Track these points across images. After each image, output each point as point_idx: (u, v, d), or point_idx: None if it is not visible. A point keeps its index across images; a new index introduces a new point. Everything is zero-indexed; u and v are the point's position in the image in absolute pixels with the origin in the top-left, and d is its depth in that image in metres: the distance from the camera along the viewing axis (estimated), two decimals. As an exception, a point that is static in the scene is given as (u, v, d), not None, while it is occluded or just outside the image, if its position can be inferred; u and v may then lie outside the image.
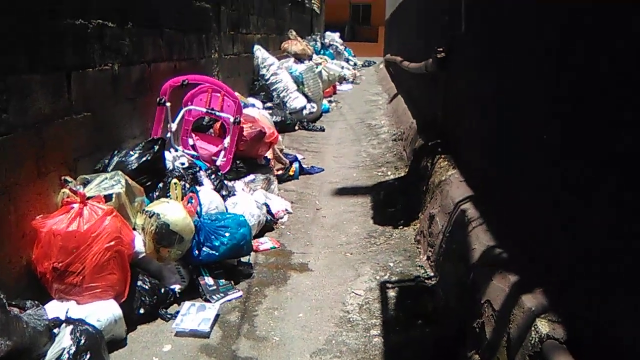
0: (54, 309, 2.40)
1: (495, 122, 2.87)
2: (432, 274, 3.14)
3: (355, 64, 17.70)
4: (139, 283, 2.74)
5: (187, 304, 2.80)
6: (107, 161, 3.13)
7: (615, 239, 1.54)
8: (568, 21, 1.94)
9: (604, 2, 1.67)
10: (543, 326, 1.68)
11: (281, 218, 4.11)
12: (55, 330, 2.21)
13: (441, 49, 4.17)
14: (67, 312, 2.31)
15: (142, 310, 2.69)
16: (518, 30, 2.53)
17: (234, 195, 3.82)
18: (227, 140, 4.15)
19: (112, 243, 2.52)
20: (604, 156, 1.63)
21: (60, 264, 2.44)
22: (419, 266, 3.30)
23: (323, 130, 7.70)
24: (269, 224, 3.90)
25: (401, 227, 3.94)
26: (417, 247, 3.56)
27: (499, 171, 2.75)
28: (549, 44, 2.11)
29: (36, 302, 2.29)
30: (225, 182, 3.91)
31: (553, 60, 2.07)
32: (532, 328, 1.71)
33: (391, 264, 3.35)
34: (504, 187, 2.63)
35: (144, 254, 2.84)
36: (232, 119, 4.10)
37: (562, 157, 1.95)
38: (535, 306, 1.79)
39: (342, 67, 13.97)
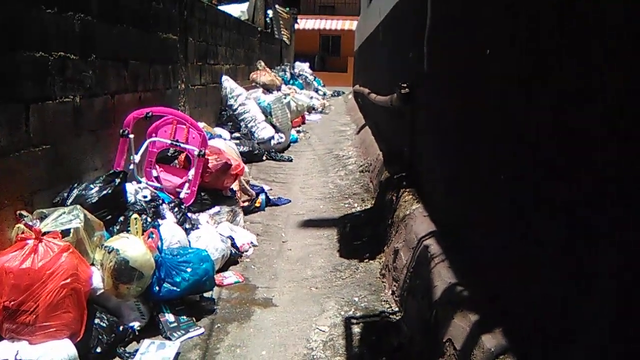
0: (4, 349, 2.31)
1: (455, 159, 2.91)
2: (397, 309, 3.13)
3: (324, 94, 17.91)
4: (97, 320, 2.65)
5: (146, 342, 2.72)
6: (66, 194, 3.06)
7: (568, 287, 1.57)
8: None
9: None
10: (502, 367, 1.69)
11: (246, 251, 4.06)
12: (4, 374, 2.11)
13: (405, 85, 4.24)
14: (16, 354, 2.23)
15: (99, 349, 2.60)
16: (476, 71, 2.59)
17: (198, 228, 3.77)
18: (191, 172, 4.11)
19: (68, 280, 2.44)
20: (555, 202, 1.67)
21: (12, 303, 2.34)
22: (384, 301, 3.29)
23: (291, 161, 7.71)
24: (233, 258, 3.85)
25: (367, 260, 3.94)
26: (382, 282, 3.56)
27: (459, 210, 2.79)
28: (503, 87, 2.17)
29: (-16, 343, 2.20)
30: (189, 214, 3.86)
31: (507, 103, 2.13)
32: (492, 369, 1.71)
33: (356, 299, 3.33)
34: (464, 225, 2.66)
35: (102, 290, 2.76)
36: (196, 151, 4.07)
37: (515, 200, 1.98)
38: (495, 347, 1.79)
39: (311, 97, 14.12)
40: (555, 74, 1.69)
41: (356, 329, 2.98)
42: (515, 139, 2.03)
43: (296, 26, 21.69)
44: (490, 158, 2.33)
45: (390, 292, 3.35)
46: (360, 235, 4.47)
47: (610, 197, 1.37)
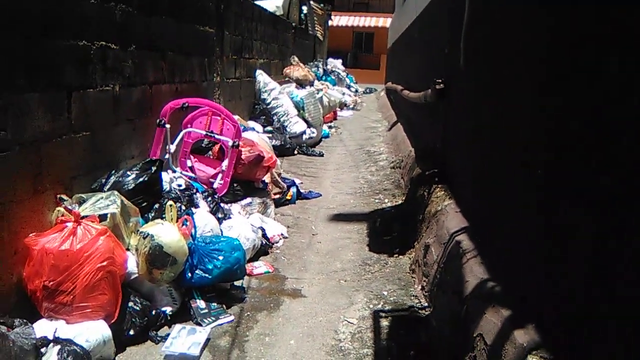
0: (43, 327, 2.38)
1: (488, 155, 2.88)
2: (426, 304, 3.12)
3: (356, 91, 17.87)
4: (130, 304, 2.72)
5: (177, 326, 2.77)
6: (103, 181, 3.13)
7: (596, 286, 1.54)
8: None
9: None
10: (534, 363, 1.67)
11: (276, 242, 4.10)
12: (43, 350, 2.18)
13: (440, 81, 4.21)
14: (55, 332, 2.29)
15: (132, 332, 2.66)
16: (513, 67, 2.56)
17: (230, 218, 3.82)
18: (225, 163, 4.16)
19: (105, 263, 2.51)
20: (587, 200, 1.64)
21: (51, 283, 2.42)
22: (413, 296, 3.28)
23: (322, 156, 7.73)
24: (263, 248, 3.89)
25: (396, 255, 3.93)
26: (412, 277, 3.55)
27: (491, 205, 2.76)
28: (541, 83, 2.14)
29: (25, 320, 2.28)
30: (222, 204, 3.91)
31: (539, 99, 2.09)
32: (524, 364, 1.70)
33: (385, 293, 3.33)
34: (496, 222, 2.63)
35: (136, 275, 2.83)
36: (230, 142, 4.12)
37: (548, 197, 1.95)
38: (527, 342, 1.77)
39: (343, 94, 14.11)
40: (596, 72, 1.66)
41: (384, 323, 2.99)
42: (552, 135, 2.00)
43: (330, 22, 21.69)
44: (524, 154, 2.30)
45: (419, 287, 3.33)
46: (390, 230, 4.46)
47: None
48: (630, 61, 1.45)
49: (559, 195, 1.89)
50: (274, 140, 6.70)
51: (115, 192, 2.93)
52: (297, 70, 9.11)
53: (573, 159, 1.79)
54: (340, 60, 16.76)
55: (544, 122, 2.09)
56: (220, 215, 3.71)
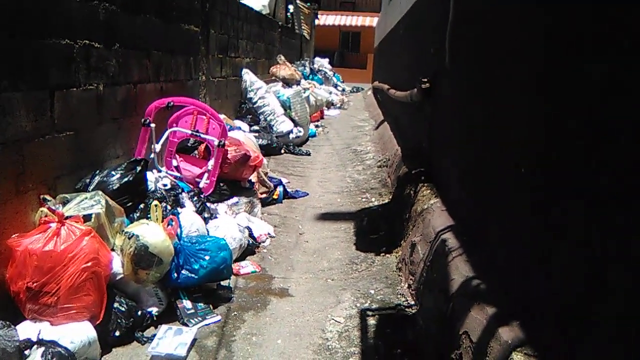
0: (27, 329, 2.35)
1: (475, 154, 2.90)
2: (412, 303, 3.13)
3: (343, 90, 17.89)
4: (116, 305, 2.69)
5: (164, 327, 2.75)
6: (88, 180, 3.10)
7: (583, 282, 1.56)
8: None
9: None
10: (519, 359, 1.68)
11: (263, 242, 4.09)
12: (27, 352, 2.16)
13: (425, 80, 4.23)
14: (39, 333, 2.27)
15: (117, 333, 2.64)
16: (500, 66, 2.57)
17: (216, 218, 3.80)
18: (211, 163, 4.15)
19: (89, 264, 2.49)
20: (575, 197, 1.65)
21: (35, 284, 2.39)
22: (400, 294, 3.29)
23: (309, 155, 7.72)
24: (250, 248, 3.88)
25: (383, 254, 3.94)
26: (399, 275, 3.56)
27: (477, 203, 2.78)
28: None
29: (7, 322, 2.25)
30: (208, 204, 3.90)
31: (528, 98, 2.11)
32: (508, 361, 1.71)
33: (372, 292, 3.34)
34: (481, 220, 2.65)
35: (121, 276, 2.80)
36: (216, 142, 4.10)
37: (534, 195, 1.97)
38: (512, 339, 1.78)
39: (330, 93, 14.11)
40: (585, 69, 1.68)
41: (372, 321, 2.99)
42: (538, 133, 2.01)
43: (316, 22, 21.69)
44: (510, 152, 2.32)
45: (406, 285, 3.35)
46: (377, 229, 4.48)
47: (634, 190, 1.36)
48: (624, 60, 1.46)
49: (545, 192, 1.90)
50: (260, 140, 6.69)
51: (100, 192, 2.90)
52: (284, 69, 9.09)
53: (559, 155, 1.80)
54: (327, 59, 16.75)
55: (528, 119, 2.11)
56: (206, 215, 3.69)
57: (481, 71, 2.92)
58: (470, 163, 3.03)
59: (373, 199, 5.45)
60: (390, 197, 5.17)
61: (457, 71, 3.50)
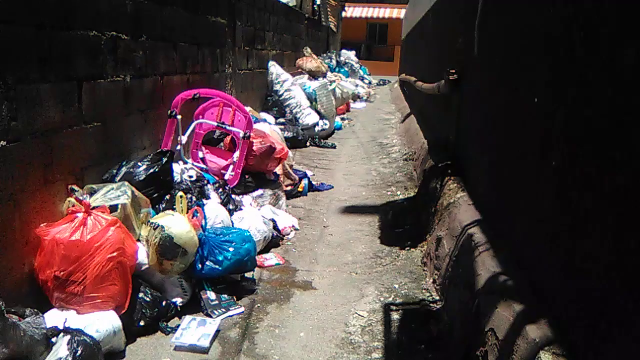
0: (53, 317, 2.39)
1: (503, 147, 2.83)
2: (437, 298, 3.09)
3: (369, 82, 17.78)
4: (141, 295, 2.72)
5: (187, 318, 2.77)
6: (114, 171, 3.13)
7: (615, 279, 1.50)
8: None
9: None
10: (547, 359, 1.64)
11: (287, 234, 4.09)
12: (53, 340, 2.19)
13: (453, 71, 4.16)
14: (65, 322, 2.29)
15: (142, 323, 2.67)
16: (527, 58, 2.51)
17: (241, 209, 3.81)
18: (236, 155, 4.15)
19: (115, 254, 2.51)
20: (604, 193, 1.60)
21: (62, 273, 2.43)
22: (425, 289, 3.26)
23: (334, 148, 7.70)
24: (274, 240, 3.88)
25: (408, 248, 3.90)
26: (424, 270, 3.52)
27: (505, 198, 2.72)
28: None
29: (35, 310, 2.28)
30: (233, 196, 3.91)
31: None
32: (536, 360, 1.66)
33: (396, 286, 3.30)
34: (510, 214, 2.59)
35: (146, 266, 2.83)
36: (242, 134, 4.10)
37: (566, 189, 1.91)
38: (540, 337, 1.74)
39: (357, 85, 14.04)
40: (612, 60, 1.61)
41: (395, 316, 2.96)
42: (568, 127, 1.95)
43: (343, 14, 21.58)
44: (539, 146, 2.25)
45: (431, 280, 3.30)
46: (402, 223, 4.43)
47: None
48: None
49: (577, 187, 1.85)
50: (286, 132, 6.68)
51: (126, 183, 2.93)
52: (310, 61, 9.06)
53: (590, 149, 1.74)
54: (353, 52, 16.64)
55: (561, 111, 2.04)
56: (231, 207, 3.70)
57: (507, 60, 2.85)
58: (497, 156, 2.96)
59: (398, 193, 5.40)
60: (416, 190, 5.12)
61: (485, 62, 3.43)
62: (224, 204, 3.65)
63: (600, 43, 1.72)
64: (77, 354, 2.12)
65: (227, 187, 3.88)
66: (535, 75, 2.39)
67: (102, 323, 2.43)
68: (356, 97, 13.13)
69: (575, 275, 1.78)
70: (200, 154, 4.34)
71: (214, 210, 3.36)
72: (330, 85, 9.24)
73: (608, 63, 1.65)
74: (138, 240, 2.85)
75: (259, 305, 3.06)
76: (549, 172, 2.11)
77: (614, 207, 1.56)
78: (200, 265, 2.94)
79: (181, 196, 2.99)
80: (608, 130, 1.63)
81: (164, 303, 2.78)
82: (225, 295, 3.01)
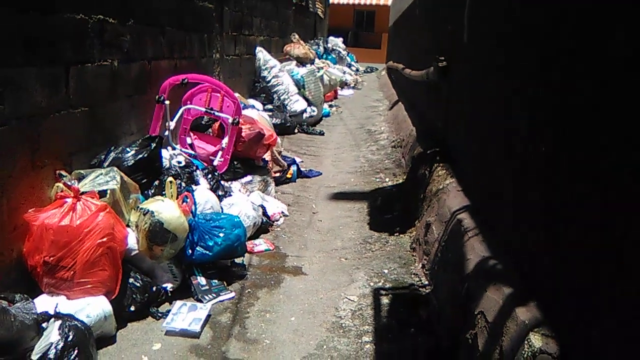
0: (44, 303, 2.37)
1: (491, 133, 2.85)
2: (426, 283, 3.12)
3: (357, 70, 17.74)
4: (131, 280, 2.71)
5: (178, 303, 2.77)
6: (103, 157, 3.11)
7: (602, 262, 1.53)
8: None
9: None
10: (536, 340, 1.66)
11: (277, 220, 4.09)
12: (44, 325, 2.18)
13: (442, 58, 4.16)
14: (56, 307, 2.29)
15: (132, 308, 2.66)
16: (516, 42, 2.52)
17: (230, 195, 3.80)
18: (225, 141, 4.13)
19: (105, 239, 2.50)
20: (591, 174, 1.62)
21: (51, 258, 2.41)
22: (414, 274, 3.28)
23: (322, 134, 7.69)
24: (264, 226, 3.88)
25: (397, 234, 3.92)
26: (413, 255, 3.54)
27: (492, 184, 2.74)
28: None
29: (25, 295, 2.28)
30: (222, 182, 3.89)
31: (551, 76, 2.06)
32: (526, 342, 1.69)
33: (386, 271, 3.33)
34: (498, 200, 2.61)
35: (136, 252, 2.82)
36: (230, 120, 4.08)
37: (552, 173, 1.93)
38: (529, 319, 1.77)
39: (344, 72, 14.01)
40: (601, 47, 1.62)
41: (385, 300, 2.99)
42: (557, 111, 1.97)
43: (331, 0, 21.42)
44: (528, 131, 2.27)
45: (420, 265, 3.33)
46: (391, 209, 4.46)
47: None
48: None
49: (564, 170, 1.87)
50: (274, 119, 6.66)
51: (115, 169, 2.91)
52: (298, 48, 9.01)
53: (578, 135, 1.76)
54: (341, 39, 16.57)
55: (548, 98, 2.06)
56: (220, 193, 3.69)
57: (497, 47, 2.86)
58: (485, 143, 2.98)
59: (387, 179, 5.42)
60: (405, 177, 5.14)
61: (475, 49, 3.44)
62: (214, 189, 3.64)
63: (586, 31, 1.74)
64: (69, 339, 2.11)
65: (216, 173, 3.87)
66: (522, 63, 2.41)
67: (93, 308, 2.42)
68: (344, 84, 13.10)
69: (562, 257, 1.81)
70: (189, 140, 4.31)
71: (203, 196, 3.35)
72: (318, 72, 9.21)
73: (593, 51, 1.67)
74: (127, 225, 2.84)
75: (249, 290, 3.06)
76: (536, 158, 2.13)
77: (600, 192, 1.58)
78: (190, 251, 2.94)
79: (171, 182, 2.97)
80: (594, 116, 1.65)
81: (154, 288, 2.78)
82: (216, 281, 3.01)
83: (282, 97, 7.58)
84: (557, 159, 1.93)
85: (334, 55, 14.37)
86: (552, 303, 1.81)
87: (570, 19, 1.91)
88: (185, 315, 2.67)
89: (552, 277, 1.88)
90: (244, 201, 3.75)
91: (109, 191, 2.75)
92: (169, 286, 2.87)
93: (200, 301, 2.84)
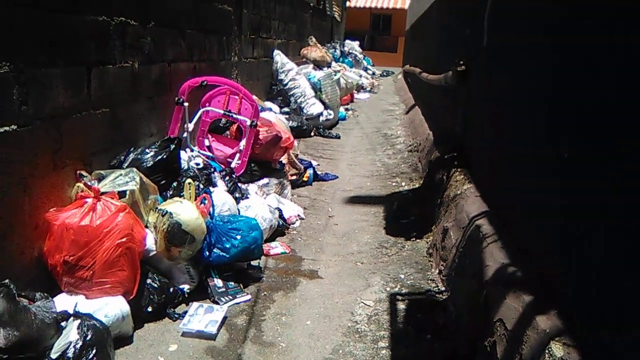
0: (63, 302, 2.40)
1: (512, 138, 2.83)
2: (443, 289, 3.10)
3: (373, 73, 17.73)
4: (149, 281, 2.73)
5: (195, 304, 2.78)
6: (122, 158, 3.13)
7: (626, 270, 1.50)
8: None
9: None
10: (557, 349, 1.64)
11: (293, 223, 4.09)
12: (63, 324, 2.20)
13: (462, 62, 4.14)
14: (75, 306, 2.30)
15: (150, 309, 2.68)
16: (540, 46, 2.49)
17: (247, 198, 3.81)
18: (242, 143, 4.15)
19: (124, 239, 2.52)
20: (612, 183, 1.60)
21: (71, 258, 2.43)
22: (431, 280, 3.26)
23: (339, 138, 7.69)
24: (280, 229, 3.89)
25: (414, 239, 3.91)
26: (429, 260, 3.52)
27: (513, 189, 2.71)
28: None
29: (45, 294, 2.29)
30: (239, 184, 3.91)
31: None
32: (546, 351, 1.67)
33: (402, 276, 3.31)
34: (518, 206, 2.59)
35: (154, 252, 2.83)
36: (248, 122, 4.10)
37: (574, 178, 1.91)
38: (550, 328, 1.74)
39: (361, 76, 14.01)
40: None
41: (401, 306, 2.97)
42: (579, 116, 1.94)
43: (347, 4, 21.44)
44: (549, 137, 2.25)
45: (437, 271, 3.31)
46: (407, 214, 4.44)
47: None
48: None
49: (585, 175, 1.84)
50: (291, 122, 6.67)
51: (134, 169, 2.93)
52: (315, 51, 9.02)
53: (598, 142, 1.74)
54: (357, 42, 16.57)
55: (570, 102, 2.04)
56: (237, 195, 3.70)
57: (518, 51, 2.84)
58: (505, 148, 2.96)
59: (403, 184, 5.40)
60: (421, 182, 5.11)
61: (495, 52, 3.41)
62: (231, 192, 3.65)
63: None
64: (87, 338, 2.13)
65: (233, 175, 3.88)
66: (542, 66, 2.38)
67: (111, 308, 2.44)
68: (360, 88, 13.10)
69: (583, 265, 1.78)
70: (207, 142, 4.33)
71: (221, 197, 3.36)
72: (335, 75, 9.21)
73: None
74: (146, 226, 2.85)
75: (265, 293, 3.07)
76: (557, 163, 2.10)
77: (622, 199, 1.55)
78: (207, 253, 2.95)
79: (189, 183, 2.99)
80: (616, 125, 1.63)
81: (171, 289, 2.79)
82: (232, 283, 3.02)
83: (298, 100, 7.60)
84: (578, 163, 1.90)
85: (350, 59, 14.37)
86: (575, 311, 1.79)
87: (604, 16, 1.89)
88: (201, 316, 2.68)
89: (574, 284, 1.85)
90: (261, 204, 3.75)
91: (128, 192, 2.77)
92: (185, 287, 2.88)
93: (217, 303, 2.85)
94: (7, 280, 2.04)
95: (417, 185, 5.16)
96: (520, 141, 2.70)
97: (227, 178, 3.75)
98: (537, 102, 2.47)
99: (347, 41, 16.23)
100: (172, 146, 3.27)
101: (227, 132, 4.64)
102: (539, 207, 2.30)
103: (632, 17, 1.60)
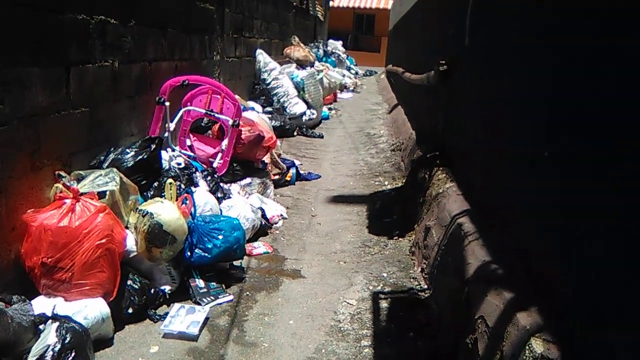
0: (41, 304, 2.36)
1: (493, 137, 2.85)
2: (426, 287, 3.11)
3: (356, 73, 17.76)
4: (129, 282, 2.70)
5: (176, 305, 2.76)
6: (102, 158, 3.09)
7: (610, 267, 1.52)
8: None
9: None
10: (538, 345, 1.66)
11: (276, 223, 4.08)
12: (41, 327, 2.16)
13: (444, 62, 4.16)
14: (53, 309, 2.27)
15: (130, 310, 2.65)
16: (521, 45, 2.52)
17: (230, 198, 3.79)
18: (225, 143, 4.12)
19: (103, 241, 2.49)
20: (599, 177, 1.61)
21: (50, 260, 2.40)
22: (413, 278, 3.28)
23: (322, 137, 7.69)
24: (263, 229, 3.87)
25: (396, 237, 3.92)
26: (412, 259, 3.54)
27: (494, 189, 2.73)
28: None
29: (23, 297, 2.26)
30: (221, 184, 3.88)
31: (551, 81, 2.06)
32: (527, 347, 1.68)
33: (385, 275, 3.32)
34: (499, 204, 2.61)
35: (135, 253, 2.80)
36: (230, 122, 4.08)
37: (554, 177, 1.93)
38: (530, 325, 1.76)
39: (344, 75, 14.01)
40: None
41: (384, 304, 2.98)
42: (560, 113, 1.96)
43: (331, 3, 21.43)
44: (530, 134, 2.27)
45: (419, 269, 3.32)
46: (390, 213, 4.45)
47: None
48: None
49: (567, 173, 1.86)
50: (273, 121, 6.65)
51: (114, 170, 2.90)
52: (298, 50, 9.01)
53: (585, 138, 1.76)
54: (340, 42, 16.58)
55: (551, 102, 2.06)
56: (219, 195, 3.68)
57: (499, 50, 2.86)
58: (486, 147, 2.98)
59: (386, 183, 5.42)
60: (404, 181, 5.13)
61: (477, 52, 3.44)
62: (213, 192, 3.63)
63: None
64: (66, 341, 2.09)
65: (215, 175, 3.85)
66: (523, 67, 2.41)
67: (91, 310, 2.41)
68: (343, 88, 13.11)
69: (564, 262, 1.80)
70: (188, 142, 4.30)
71: (202, 197, 3.34)
72: (318, 74, 9.20)
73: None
74: (126, 227, 2.82)
75: (247, 293, 3.05)
76: (539, 163, 2.12)
77: (612, 193, 1.57)
78: (189, 253, 2.92)
79: (171, 183, 2.97)
80: (602, 121, 1.65)
81: (152, 291, 2.77)
82: (214, 283, 3.00)
83: (281, 100, 7.58)
84: (559, 161, 1.92)
85: (333, 59, 14.38)
86: (555, 308, 1.80)
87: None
88: (183, 317, 2.65)
89: (555, 281, 1.87)
90: (243, 203, 3.74)
91: (108, 192, 2.73)
92: (167, 288, 2.86)
93: (199, 304, 2.83)
94: (-17, 283, 2.00)
95: (399, 184, 5.18)
96: (501, 140, 2.72)
97: (209, 178, 3.73)
98: (515, 101, 2.49)
99: (330, 41, 16.23)
100: (153, 146, 3.24)
101: (209, 132, 4.61)
102: (520, 206, 2.32)
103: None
